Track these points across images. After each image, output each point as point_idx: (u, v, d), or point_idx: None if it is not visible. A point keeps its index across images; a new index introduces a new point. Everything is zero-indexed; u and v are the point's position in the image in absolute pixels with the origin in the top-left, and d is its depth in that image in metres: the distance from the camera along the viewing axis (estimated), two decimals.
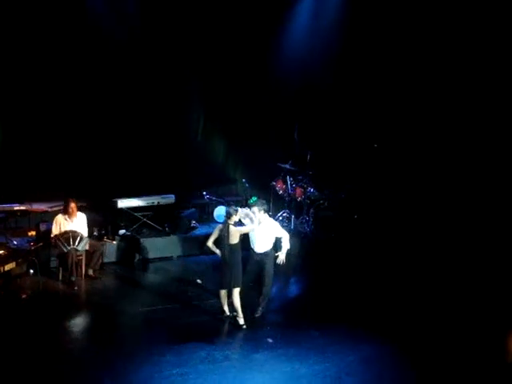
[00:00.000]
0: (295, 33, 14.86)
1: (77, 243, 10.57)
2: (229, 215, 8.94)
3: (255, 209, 9.16)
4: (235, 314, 9.01)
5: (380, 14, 14.09)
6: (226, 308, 9.19)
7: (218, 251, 8.99)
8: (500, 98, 13.16)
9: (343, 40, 14.39)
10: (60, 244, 10.53)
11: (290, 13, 14.85)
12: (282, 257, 9.19)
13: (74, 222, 10.92)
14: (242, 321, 8.97)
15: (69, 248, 10.51)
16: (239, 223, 9.13)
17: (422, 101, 14.01)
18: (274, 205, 13.70)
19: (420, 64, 13.95)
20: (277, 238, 9.36)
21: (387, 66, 14.28)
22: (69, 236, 10.57)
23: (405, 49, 13.99)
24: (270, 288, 9.40)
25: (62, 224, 10.87)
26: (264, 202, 9.44)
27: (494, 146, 13.22)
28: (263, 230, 9.21)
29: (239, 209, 9.19)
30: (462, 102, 13.54)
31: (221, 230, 8.95)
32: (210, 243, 9.03)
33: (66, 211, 10.93)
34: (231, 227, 8.87)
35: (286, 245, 9.25)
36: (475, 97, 13.37)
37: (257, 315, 9.26)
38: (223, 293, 9.10)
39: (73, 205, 10.88)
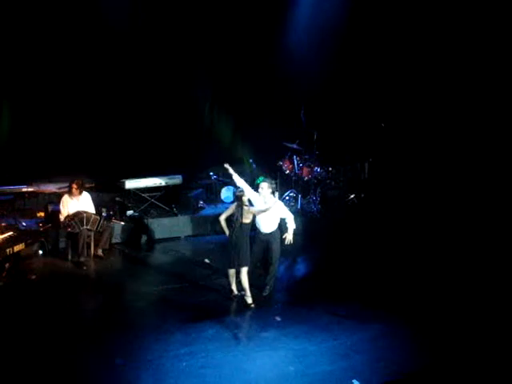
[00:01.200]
0: (301, 15, 14.77)
1: (90, 224, 10.63)
2: (238, 198, 8.99)
3: (264, 185, 9.16)
4: (243, 293, 9.06)
5: None
6: (234, 287, 9.25)
7: (227, 231, 9.02)
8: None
9: (349, 20, 14.28)
10: (74, 224, 10.58)
11: None
12: (289, 237, 9.21)
13: (80, 201, 10.98)
14: (250, 300, 9.01)
15: (82, 228, 10.58)
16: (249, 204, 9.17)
17: (429, 80, 13.92)
18: (281, 184, 13.71)
19: (427, 46, 13.83)
20: (281, 218, 9.39)
21: (394, 44, 14.18)
22: (83, 217, 10.64)
23: (411, 28, 13.87)
24: (277, 267, 9.45)
25: (68, 204, 10.93)
26: (272, 181, 9.45)
27: (502, 126, 13.15)
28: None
29: (242, 189, 9.22)
30: (469, 81, 13.44)
31: (234, 209, 8.97)
32: (222, 218, 9.05)
33: (70, 192, 10.99)
34: (244, 208, 8.91)
35: (291, 225, 9.26)
36: (481, 74, 13.27)
37: (265, 294, 9.31)
38: (231, 272, 9.15)
39: (76, 186, 10.91)
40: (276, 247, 9.27)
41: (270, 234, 9.26)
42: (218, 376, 7.15)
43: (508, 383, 7.18)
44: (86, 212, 10.76)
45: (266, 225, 9.24)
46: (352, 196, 13.86)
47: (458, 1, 13.30)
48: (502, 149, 13.06)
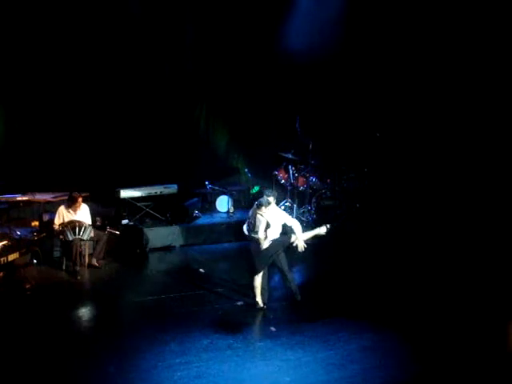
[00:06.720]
0: (297, 23, 14.78)
1: (82, 233, 10.61)
2: (259, 205, 9.04)
3: (271, 198, 9.16)
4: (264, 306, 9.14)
5: (381, 5, 14.04)
6: (259, 299, 9.14)
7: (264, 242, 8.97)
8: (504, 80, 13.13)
9: (344, 30, 14.31)
10: (66, 231, 10.55)
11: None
12: (300, 244, 9.14)
13: (78, 214, 10.94)
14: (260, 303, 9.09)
15: (74, 237, 10.54)
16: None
17: (425, 90, 13.96)
18: (277, 194, 13.67)
19: (422, 56, 13.88)
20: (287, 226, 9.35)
21: (389, 55, 14.23)
22: (75, 225, 10.60)
23: (406, 39, 13.92)
24: (257, 274, 9.17)
25: (65, 216, 10.89)
26: (271, 190, 9.45)
27: (498, 130, 13.18)
28: (269, 217, 9.18)
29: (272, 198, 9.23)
30: (466, 90, 13.48)
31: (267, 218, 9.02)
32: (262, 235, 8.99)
33: (70, 205, 10.92)
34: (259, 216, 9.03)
35: (299, 231, 9.18)
36: (479, 82, 13.31)
37: (299, 299, 9.32)
38: (257, 283, 9.11)
39: (80, 199, 10.89)
40: (263, 255, 9.13)
41: (271, 241, 9.17)
42: None
43: None
44: (78, 221, 10.73)
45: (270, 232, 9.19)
46: (347, 206, 13.81)
47: (448, 15, 13.36)
48: (497, 152, 13.10)
